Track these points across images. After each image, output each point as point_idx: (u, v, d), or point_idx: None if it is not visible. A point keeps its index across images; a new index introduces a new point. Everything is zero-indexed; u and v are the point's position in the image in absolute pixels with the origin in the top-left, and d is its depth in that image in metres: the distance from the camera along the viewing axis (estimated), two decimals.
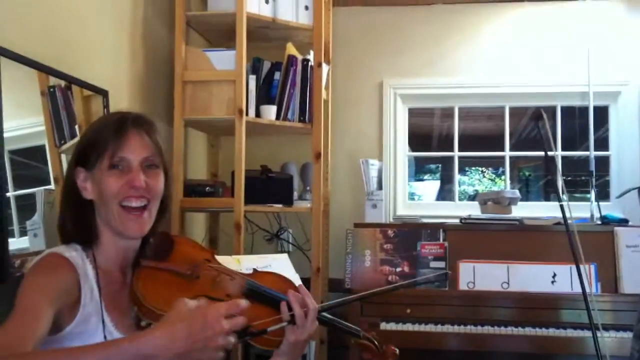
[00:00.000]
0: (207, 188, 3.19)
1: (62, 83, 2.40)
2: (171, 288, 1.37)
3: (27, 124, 2.25)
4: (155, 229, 1.50)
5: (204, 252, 1.55)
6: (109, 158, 1.41)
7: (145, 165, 1.44)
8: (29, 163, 2.23)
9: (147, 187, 1.43)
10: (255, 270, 1.59)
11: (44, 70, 2.27)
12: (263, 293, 1.48)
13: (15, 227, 2.05)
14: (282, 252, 3.53)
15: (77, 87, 2.49)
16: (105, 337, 1.35)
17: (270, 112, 3.24)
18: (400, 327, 2.95)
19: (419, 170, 5.87)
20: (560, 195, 2.06)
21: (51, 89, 2.35)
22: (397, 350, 1.62)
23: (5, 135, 2.02)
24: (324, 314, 1.53)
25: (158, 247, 1.47)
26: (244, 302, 1.23)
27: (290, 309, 1.44)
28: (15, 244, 2.02)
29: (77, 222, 1.44)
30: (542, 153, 4.24)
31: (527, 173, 6.08)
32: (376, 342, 1.60)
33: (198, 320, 1.15)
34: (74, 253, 1.39)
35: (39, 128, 2.24)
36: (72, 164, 1.46)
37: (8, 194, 2.03)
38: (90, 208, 1.45)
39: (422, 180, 6.23)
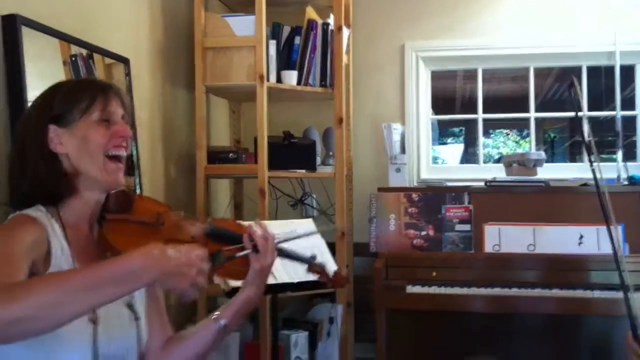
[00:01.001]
0: (231, 154, 3.20)
1: (84, 52, 2.40)
2: (140, 236, 1.47)
3: None
4: None
5: (163, 205, 1.66)
6: (100, 111, 1.49)
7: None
8: None
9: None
10: (212, 218, 1.74)
11: (66, 39, 2.27)
12: (224, 233, 1.61)
13: None
14: (306, 217, 3.53)
15: (99, 55, 2.49)
16: None
17: (291, 77, 3.22)
18: (426, 290, 2.95)
19: (442, 134, 5.83)
20: (590, 157, 2.02)
21: (73, 58, 2.35)
22: (346, 275, 1.90)
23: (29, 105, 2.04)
24: (280, 245, 1.68)
25: (120, 201, 1.56)
26: (204, 251, 1.33)
27: (252, 239, 1.58)
28: None
29: (48, 178, 1.46)
30: (567, 114, 4.20)
31: (552, 135, 6.00)
32: (326, 269, 1.82)
33: (177, 248, 1.28)
34: (39, 213, 1.44)
35: None
36: (42, 122, 1.48)
37: None
38: (58, 165, 1.48)
39: (445, 144, 6.19)
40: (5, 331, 1.11)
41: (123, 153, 1.52)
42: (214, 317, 1.60)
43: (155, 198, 1.76)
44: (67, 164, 1.48)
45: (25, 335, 1.15)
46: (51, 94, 1.51)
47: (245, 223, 1.71)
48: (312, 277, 1.83)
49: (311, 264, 1.80)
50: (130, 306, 1.54)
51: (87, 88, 1.52)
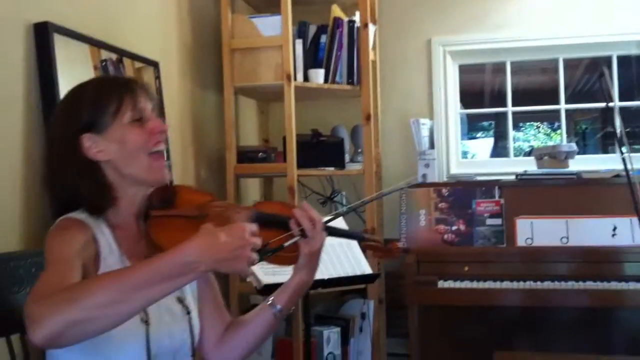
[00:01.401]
0: (260, 154, 3.23)
1: (114, 57, 2.45)
2: (185, 231, 1.40)
3: None
4: None
5: (206, 195, 1.63)
6: (131, 111, 1.45)
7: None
8: None
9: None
10: (255, 202, 1.70)
11: (96, 44, 2.32)
12: (270, 218, 1.57)
13: None
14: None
15: (129, 59, 2.53)
16: None
17: (318, 75, 3.24)
18: (458, 284, 2.94)
19: (471, 128, 5.79)
20: (621, 148, 2.00)
21: (103, 63, 2.39)
22: (400, 245, 1.81)
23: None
24: (329, 224, 1.64)
25: (163, 196, 1.54)
26: (254, 225, 1.32)
27: (298, 224, 1.54)
28: None
29: (91, 191, 1.44)
30: (598, 105, 4.15)
31: (583, 126, 5.92)
32: (381, 242, 1.76)
33: (227, 231, 1.25)
34: (83, 215, 1.44)
35: None
36: (74, 132, 1.43)
37: None
38: (100, 174, 1.46)
39: (475, 138, 6.14)
40: (63, 334, 1.12)
41: (163, 147, 1.50)
42: (269, 302, 1.60)
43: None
44: (109, 170, 1.46)
45: (83, 336, 1.16)
46: (76, 102, 1.47)
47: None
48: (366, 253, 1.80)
49: (363, 238, 1.78)
50: (181, 300, 1.53)
51: (111, 89, 1.47)
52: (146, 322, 1.40)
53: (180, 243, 1.23)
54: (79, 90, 1.50)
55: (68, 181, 1.44)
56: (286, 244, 1.51)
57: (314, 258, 1.58)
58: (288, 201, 3.08)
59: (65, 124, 1.46)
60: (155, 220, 1.48)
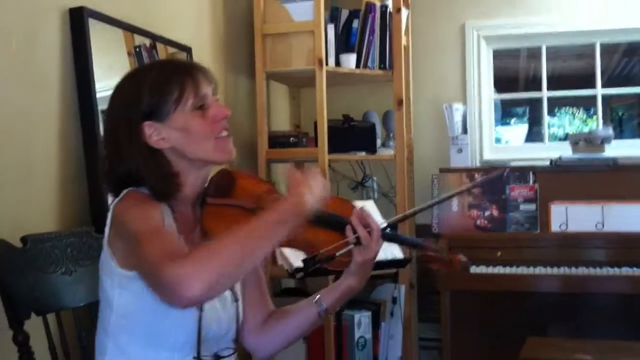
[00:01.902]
0: (291, 139, 3.24)
1: (147, 42, 2.47)
2: (238, 222, 1.38)
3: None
4: None
5: (265, 184, 1.59)
6: (193, 98, 1.42)
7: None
8: None
9: None
10: None
11: (130, 29, 2.34)
12: (328, 219, 1.51)
13: None
14: (367, 200, 3.54)
15: (162, 45, 2.55)
16: None
17: (349, 60, 3.22)
18: (490, 270, 2.92)
19: (505, 115, 5.71)
20: None
21: (137, 49, 2.42)
22: (465, 258, 1.60)
23: (98, 95, 2.11)
24: (388, 230, 1.56)
25: (221, 184, 1.51)
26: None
27: (354, 231, 1.48)
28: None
29: (156, 180, 1.41)
30: (635, 89, 4.06)
31: (619, 112, 5.81)
32: (443, 253, 1.63)
33: (309, 178, 1.38)
34: (147, 192, 1.42)
35: None
36: (135, 120, 1.40)
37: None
38: (163, 161, 1.43)
39: (508, 124, 6.06)
40: (215, 286, 1.20)
41: (226, 133, 1.47)
42: (315, 299, 1.57)
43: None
44: (173, 156, 1.43)
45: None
46: (136, 89, 1.42)
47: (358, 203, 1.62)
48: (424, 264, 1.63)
49: (423, 247, 1.64)
50: (232, 287, 1.52)
51: (173, 75, 1.43)
52: (200, 308, 1.40)
53: None
54: (139, 75, 1.47)
55: (132, 167, 1.41)
56: (338, 253, 1.46)
57: (367, 267, 1.53)
58: None
59: (127, 109, 1.42)
60: (210, 208, 1.46)
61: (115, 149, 1.43)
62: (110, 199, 1.51)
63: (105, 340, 1.42)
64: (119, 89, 1.47)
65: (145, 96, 1.40)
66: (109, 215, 1.40)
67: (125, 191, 1.41)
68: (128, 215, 1.34)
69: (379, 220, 1.54)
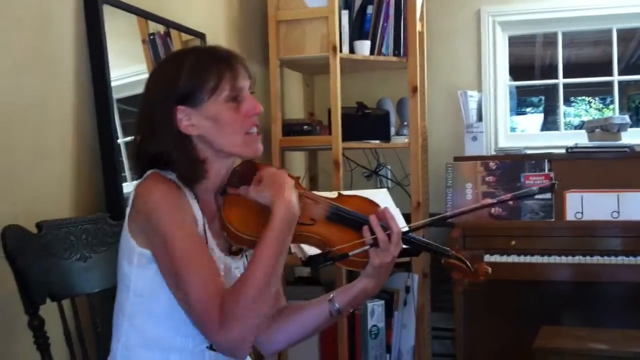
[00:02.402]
0: (305, 127, 3.22)
1: (162, 29, 2.47)
2: (255, 214, 1.40)
3: (131, 72, 2.33)
4: None
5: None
6: (229, 90, 1.41)
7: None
8: (134, 111, 2.31)
9: None
10: (339, 194, 1.58)
11: (144, 16, 2.34)
12: (347, 216, 1.48)
13: (127, 172, 2.13)
14: (381, 188, 3.53)
15: (176, 31, 2.55)
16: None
17: (364, 47, 3.20)
18: (504, 259, 2.91)
19: (520, 104, 5.66)
20: None
21: (151, 36, 2.41)
22: (490, 269, 1.57)
23: (112, 84, 2.11)
24: (411, 234, 1.51)
25: (243, 175, 1.49)
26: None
27: (372, 232, 1.45)
28: (128, 187, 2.09)
29: (184, 163, 1.41)
30: None
31: (637, 100, 5.74)
32: (467, 261, 1.56)
33: (282, 179, 1.43)
34: (173, 176, 1.41)
35: (142, 76, 2.28)
36: (170, 102, 1.40)
37: (119, 141, 2.12)
38: (191, 147, 1.43)
39: (524, 113, 6.01)
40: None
41: (256, 130, 1.46)
42: (329, 297, 1.53)
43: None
44: (200, 143, 1.43)
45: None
46: (175, 71, 1.42)
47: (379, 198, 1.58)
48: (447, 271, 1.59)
49: (449, 255, 1.57)
50: None
51: (212, 63, 1.42)
52: None
53: (244, 224, 1.36)
54: (179, 58, 1.47)
55: (162, 148, 1.41)
56: (352, 252, 1.42)
57: (384, 270, 1.48)
58: (333, 175, 3.07)
59: (163, 90, 1.43)
60: (229, 197, 1.45)
61: (148, 128, 1.44)
62: (126, 187, 1.51)
63: (123, 320, 1.43)
64: (159, 68, 1.49)
65: (182, 80, 1.41)
66: (132, 195, 1.40)
67: (148, 172, 1.42)
68: (162, 216, 1.34)
69: (402, 224, 1.49)
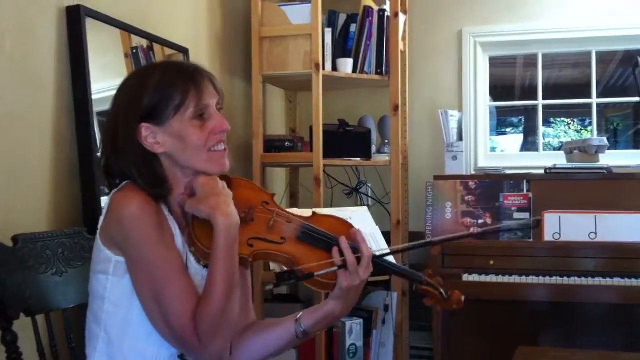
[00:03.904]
0: (287, 143, 3.23)
1: (144, 43, 2.46)
2: (211, 228, 1.38)
3: (113, 85, 2.31)
4: None
5: (263, 194, 1.54)
6: (194, 108, 1.40)
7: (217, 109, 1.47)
8: None
9: None
10: (314, 212, 1.56)
11: (127, 29, 2.33)
12: (317, 236, 1.47)
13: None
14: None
15: (159, 45, 2.55)
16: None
17: (346, 65, 3.22)
18: (483, 278, 2.91)
19: (501, 124, 5.71)
20: None
21: (134, 50, 2.41)
22: (463, 297, 1.54)
23: (93, 97, 2.09)
24: (384, 259, 1.50)
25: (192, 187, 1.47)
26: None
27: (341, 254, 1.43)
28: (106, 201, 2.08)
29: (151, 178, 1.40)
30: (631, 99, 4.07)
31: (615, 122, 5.82)
32: (440, 289, 1.54)
33: (219, 190, 1.41)
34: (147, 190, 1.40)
35: None
36: (134, 119, 1.39)
37: (98, 154, 2.10)
38: (157, 164, 1.42)
39: (504, 134, 6.07)
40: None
41: (224, 146, 1.46)
42: (297, 317, 1.52)
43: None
44: (165, 159, 1.42)
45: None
46: (140, 87, 1.41)
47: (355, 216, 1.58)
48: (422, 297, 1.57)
49: (422, 282, 1.54)
50: None
51: (178, 79, 1.40)
52: None
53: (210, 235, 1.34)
54: (146, 74, 1.45)
55: (125, 165, 1.40)
56: (318, 273, 1.40)
57: (352, 293, 1.45)
58: (314, 191, 3.07)
59: (127, 107, 1.41)
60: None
61: (111, 144, 1.43)
62: (104, 201, 1.50)
63: (97, 329, 1.42)
64: (125, 85, 1.46)
65: (147, 97, 1.39)
66: (108, 203, 1.40)
67: (125, 182, 1.41)
68: (140, 228, 1.34)
69: (374, 247, 1.51)
